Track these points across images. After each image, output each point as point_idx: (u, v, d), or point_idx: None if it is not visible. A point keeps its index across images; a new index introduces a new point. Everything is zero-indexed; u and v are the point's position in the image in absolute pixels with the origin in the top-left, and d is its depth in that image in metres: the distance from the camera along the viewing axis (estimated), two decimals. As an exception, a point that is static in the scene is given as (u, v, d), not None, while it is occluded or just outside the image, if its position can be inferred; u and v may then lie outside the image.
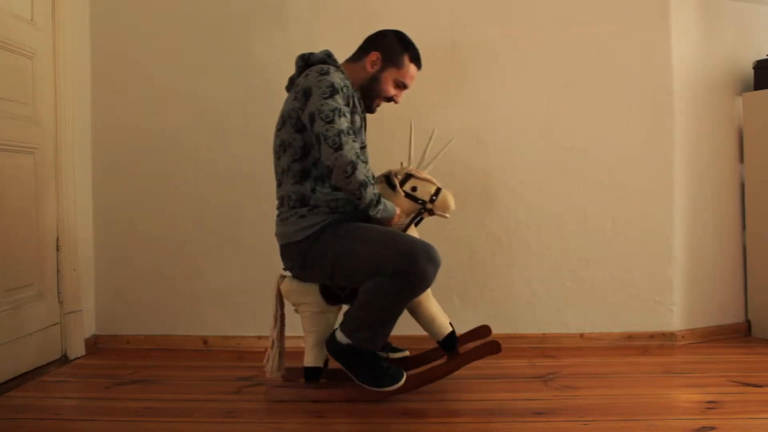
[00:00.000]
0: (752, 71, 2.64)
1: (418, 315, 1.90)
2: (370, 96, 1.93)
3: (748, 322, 2.66)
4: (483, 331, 2.08)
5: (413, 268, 1.67)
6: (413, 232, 1.92)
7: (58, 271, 2.26)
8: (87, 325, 2.40)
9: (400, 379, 1.77)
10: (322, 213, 1.80)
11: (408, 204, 1.90)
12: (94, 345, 2.45)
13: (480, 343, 1.90)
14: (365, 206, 1.77)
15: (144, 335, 2.47)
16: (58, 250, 2.26)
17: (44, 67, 2.20)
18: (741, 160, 2.67)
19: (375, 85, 1.91)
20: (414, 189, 1.90)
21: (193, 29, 2.46)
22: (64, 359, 2.27)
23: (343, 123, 1.71)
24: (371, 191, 1.75)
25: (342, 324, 1.80)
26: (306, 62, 1.87)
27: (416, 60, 1.95)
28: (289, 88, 1.93)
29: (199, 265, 2.47)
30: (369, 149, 2.00)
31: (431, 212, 1.92)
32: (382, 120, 2.20)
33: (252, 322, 2.45)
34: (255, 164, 2.44)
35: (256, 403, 1.81)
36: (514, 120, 2.48)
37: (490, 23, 2.46)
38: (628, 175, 2.49)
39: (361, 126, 1.89)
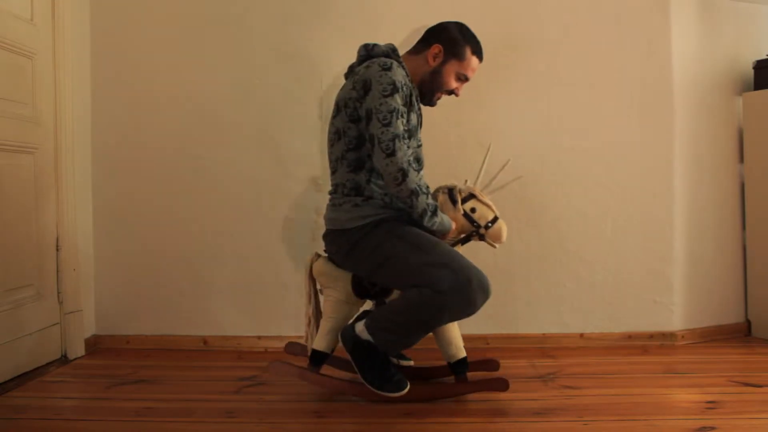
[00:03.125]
0: (752, 71, 2.64)
1: (438, 333, 1.87)
2: (431, 89, 1.90)
3: (748, 322, 2.66)
4: (492, 363, 2.06)
5: (465, 294, 1.63)
6: (458, 250, 1.88)
7: (58, 271, 2.26)
8: (87, 325, 2.40)
9: (403, 389, 1.75)
10: (377, 206, 1.77)
11: (463, 223, 1.87)
12: (94, 345, 2.45)
13: (490, 377, 1.87)
14: (418, 215, 1.72)
15: (144, 335, 2.47)
16: (58, 250, 2.26)
17: (44, 67, 2.20)
18: (741, 160, 2.66)
19: (437, 78, 1.88)
20: (473, 210, 1.87)
21: (193, 29, 2.46)
22: (64, 359, 2.27)
23: (399, 126, 1.68)
24: (423, 200, 1.70)
25: (368, 320, 1.76)
26: (369, 52, 1.84)
27: (478, 52, 1.92)
28: (347, 76, 1.90)
29: (199, 265, 2.47)
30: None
31: (482, 238, 1.88)
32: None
33: (252, 322, 2.45)
34: (254, 164, 2.44)
35: (256, 403, 1.82)
36: (514, 120, 2.48)
37: (490, 23, 2.46)
38: (628, 175, 2.49)
39: (418, 124, 1.85)
